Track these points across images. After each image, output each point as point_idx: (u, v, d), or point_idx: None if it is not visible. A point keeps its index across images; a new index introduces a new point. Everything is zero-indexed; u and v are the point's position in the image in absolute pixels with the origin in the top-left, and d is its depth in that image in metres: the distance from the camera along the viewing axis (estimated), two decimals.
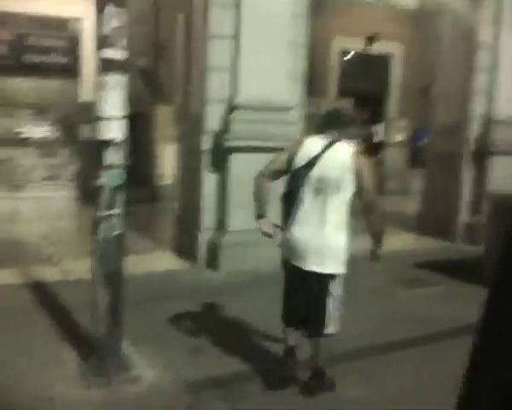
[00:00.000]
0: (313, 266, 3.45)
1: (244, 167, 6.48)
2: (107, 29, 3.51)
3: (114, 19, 3.54)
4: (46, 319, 4.70)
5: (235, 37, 6.55)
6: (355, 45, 14.88)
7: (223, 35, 6.54)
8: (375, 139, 15.28)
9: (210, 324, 4.83)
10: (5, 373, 3.72)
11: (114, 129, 3.54)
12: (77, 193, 11.93)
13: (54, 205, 11.16)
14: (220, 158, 6.57)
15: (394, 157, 14.83)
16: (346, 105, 13.57)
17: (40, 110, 11.82)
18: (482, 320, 0.74)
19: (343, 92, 14.57)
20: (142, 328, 4.50)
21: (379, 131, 15.66)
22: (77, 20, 11.81)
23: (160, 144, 12.68)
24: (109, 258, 3.56)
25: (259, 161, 6.47)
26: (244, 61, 6.54)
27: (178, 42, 12.99)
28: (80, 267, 6.38)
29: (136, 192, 11.58)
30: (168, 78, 12.53)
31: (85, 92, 11.85)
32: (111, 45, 3.52)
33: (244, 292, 5.72)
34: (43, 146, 11.89)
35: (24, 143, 11.73)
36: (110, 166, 3.52)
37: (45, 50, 11.66)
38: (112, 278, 3.58)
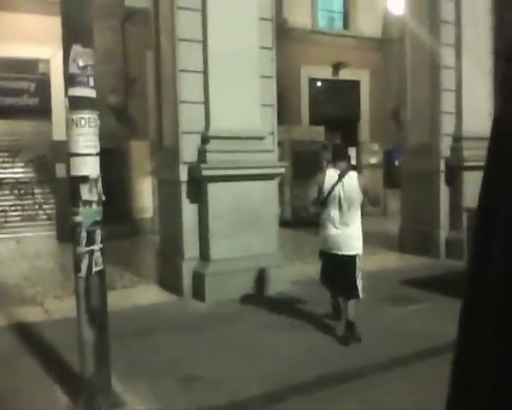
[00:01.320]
0: (345, 251, 5.12)
1: (222, 196, 6.60)
2: (74, 68, 3.57)
3: (81, 58, 3.60)
4: (33, 361, 4.64)
5: (204, 71, 6.70)
6: (323, 73, 15.23)
7: (191, 69, 6.68)
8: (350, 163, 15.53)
9: (199, 354, 4.82)
10: None
11: (88, 166, 3.58)
12: (56, 231, 11.88)
13: (33, 245, 11.10)
14: (198, 188, 6.64)
15: (370, 179, 15.09)
16: (319, 131, 13.83)
17: (14, 151, 11.79)
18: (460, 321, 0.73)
19: (315, 118, 14.85)
20: (131, 363, 4.48)
21: (351, 156, 15.92)
22: (45, 61, 11.88)
23: (136, 179, 12.73)
24: (92, 295, 3.56)
25: (236, 189, 6.68)
26: (214, 93, 6.68)
27: (148, 78, 13.19)
28: (64, 306, 6.38)
29: (115, 227, 11.62)
30: (140, 113, 12.65)
31: (58, 131, 11.85)
32: (79, 84, 3.57)
33: (230, 321, 5.73)
34: (18, 187, 11.82)
35: None
36: (86, 203, 3.54)
37: (16, 92, 11.67)
38: (96, 314, 3.58)
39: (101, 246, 3.59)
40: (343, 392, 4.02)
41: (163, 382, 4.20)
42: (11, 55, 11.39)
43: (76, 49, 3.57)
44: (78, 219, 3.52)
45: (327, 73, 15.14)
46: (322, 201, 5.17)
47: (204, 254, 6.66)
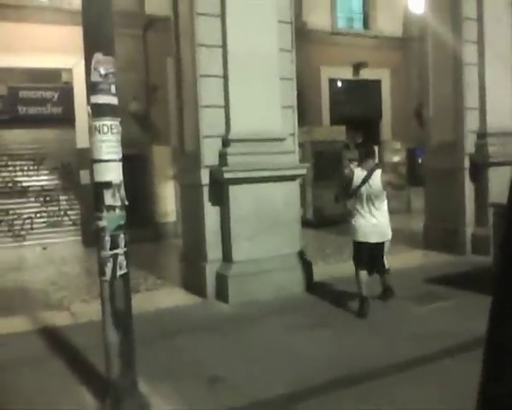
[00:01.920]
0: (376, 239, 5.88)
1: (243, 198, 6.63)
2: (96, 76, 3.63)
3: (103, 66, 3.66)
4: (60, 363, 4.72)
5: (224, 75, 6.75)
6: (343, 74, 15.18)
7: (211, 74, 6.73)
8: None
9: (223, 356, 4.85)
10: None
11: (111, 171, 3.64)
12: (81, 237, 12.06)
13: (59, 250, 11.28)
14: (220, 191, 6.68)
15: (393, 178, 14.99)
16: (340, 131, 13.78)
17: (38, 160, 12.00)
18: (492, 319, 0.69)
19: (335, 119, 14.81)
20: (156, 365, 4.53)
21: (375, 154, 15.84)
22: (68, 70, 12.07)
23: (159, 184, 12.85)
24: (117, 298, 3.61)
25: (258, 191, 6.70)
26: (234, 97, 6.71)
27: (169, 84, 13.31)
28: (90, 310, 6.47)
29: (138, 232, 11.74)
30: (161, 119, 12.77)
31: (82, 139, 12.03)
32: (101, 91, 3.63)
33: (254, 322, 5.75)
34: (43, 194, 12.03)
35: (24, 192, 11.88)
36: (110, 208, 3.60)
37: (39, 102, 11.88)
38: (121, 317, 3.63)
39: (125, 250, 3.64)
40: (370, 391, 4.00)
41: (188, 383, 4.24)
42: (35, 65, 11.59)
43: (97, 57, 3.63)
44: (102, 223, 3.57)
45: (347, 74, 15.08)
46: (351, 195, 5.91)
47: (227, 256, 6.70)
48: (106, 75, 3.63)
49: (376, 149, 15.77)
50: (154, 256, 10.52)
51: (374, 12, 15.72)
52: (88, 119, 3.70)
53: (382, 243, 5.93)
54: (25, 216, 11.90)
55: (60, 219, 12.21)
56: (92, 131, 3.64)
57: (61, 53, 11.61)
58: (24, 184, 11.88)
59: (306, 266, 7.07)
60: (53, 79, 11.98)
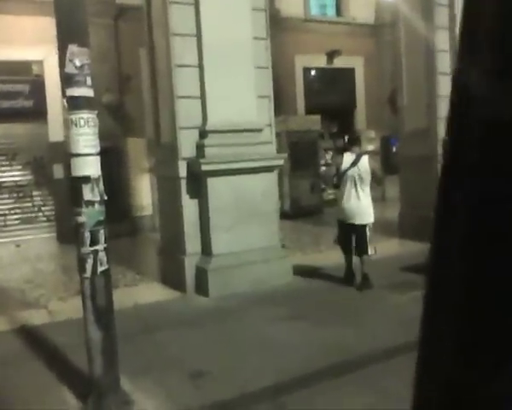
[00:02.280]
0: (359, 221, 6.31)
1: (222, 190, 6.58)
2: (71, 68, 3.54)
3: (78, 58, 3.57)
4: (40, 363, 4.63)
5: (200, 65, 6.67)
6: (317, 62, 15.17)
7: (186, 64, 6.65)
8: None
9: (205, 350, 4.82)
10: None
11: (89, 166, 3.56)
12: (56, 233, 11.86)
13: (33, 247, 11.07)
14: (197, 183, 6.62)
15: (376, 168, 15.10)
16: (315, 120, 13.78)
17: (11, 154, 11.75)
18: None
19: (310, 108, 14.81)
20: (138, 361, 4.47)
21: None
22: (38, 62, 11.81)
23: (134, 176, 12.70)
24: (98, 294, 3.55)
25: (236, 183, 6.66)
26: (210, 87, 6.65)
27: (142, 75, 13.14)
28: (67, 307, 6.38)
29: (114, 226, 11.57)
30: (136, 111, 12.61)
31: (54, 133, 11.82)
32: (76, 83, 3.55)
33: (235, 315, 5.73)
34: (16, 190, 11.79)
35: None
36: (89, 203, 3.53)
37: (10, 95, 11.61)
38: (102, 314, 3.57)
39: (105, 246, 3.58)
40: (350, 381, 4.02)
41: (171, 378, 4.21)
42: (4, 57, 11.28)
43: (72, 48, 3.54)
44: (82, 219, 3.50)
45: (321, 62, 15.08)
46: (340, 178, 6.41)
47: (206, 249, 6.65)
48: (81, 67, 3.55)
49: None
50: (131, 251, 10.41)
51: None
52: (63, 112, 3.62)
53: (365, 225, 6.34)
54: None
55: (33, 215, 11.98)
56: (69, 124, 3.56)
57: (31, 45, 11.36)
58: None
59: (285, 258, 7.07)
60: (23, 71, 11.72)
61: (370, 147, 15.57)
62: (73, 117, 3.54)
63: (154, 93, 7.42)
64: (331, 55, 14.98)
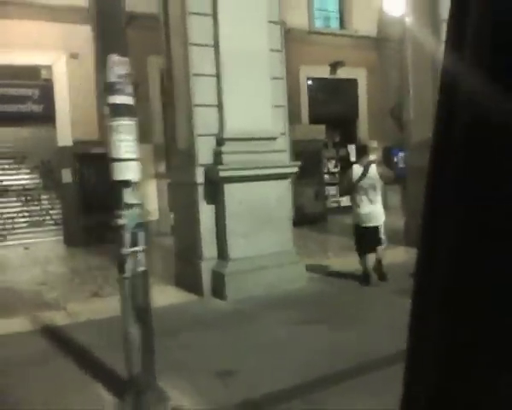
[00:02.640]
0: (374, 223, 6.95)
1: (238, 196, 6.75)
2: (112, 77, 3.70)
3: (119, 67, 3.73)
4: (70, 362, 4.76)
5: (217, 74, 6.86)
6: (321, 73, 15.40)
7: (204, 73, 6.82)
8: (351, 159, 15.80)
9: (228, 350, 4.96)
10: None
11: (129, 170, 3.72)
12: (63, 236, 11.98)
13: (42, 250, 11.17)
14: (214, 189, 6.78)
15: (385, 170, 15.33)
16: (320, 130, 13.99)
17: (19, 158, 11.87)
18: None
19: (314, 118, 15.02)
20: (164, 361, 4.59)
21: (351, 152, 16.16)
22: (47, 67, 11.97)
23: (141, 182, 12.81)
24: (137, 294, 3.70)
25: (251, 189, 6.83)
26: (227, 96, 6.84)
27: (150, 82, 13.30)
28: (86, 309, 6.52)
29: None
30: (143, 117, 12.75)
31: (63, 137, 11.97)
32: (118, 92, 3.71)
33: (253, 318, 5.88)
34: (24, 193, 11.90)
35: (5, 191, 11.73)
36: (129, 206, 3.68)
37: (19, 99, 11.74)
38: (141, 312, 3.72)
39: (144, 247, 3.73)
40: (377, 380, 4.17)
41: (200, 377, 4.34)
42: (14, 62, 11.44)
43: (113, 58, 3.70)
44: (122, 221, 3.65)
45: (325, 73, 15.31)
46: (352, 188, 7.00)
47: (222, 254, 6.80)
48: (122, 76, 3.71)
49: (353, 148, 16.16)
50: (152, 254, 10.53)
51: (349, 11, 16.00)
52: (106, 118, 3.76)
53: (379, 226, 7.01)
54: (6, 216, 11.77)
55: (41, 218, 12.11)
56: (110, 130, 3.71)
57: (40, 50, 11.52)
58: (4, 183, 11.74)
59: (298, 263, 7.24)
60: (32, 76, 11.86)
61: (373, 156, 15.79)
62: (114, 124, 3.70)
63: (168, 100, 7.57)
64: (334, 66, 15.23)
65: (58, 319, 6.21)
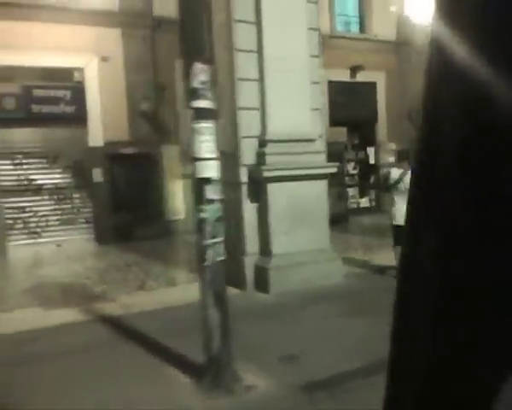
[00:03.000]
0: None
1: (280, 195, 7.08)
2: (196, 83, 4.04)
3: (202, 74, 4.07)
4: (135, 349, 5.06)
5: (260, 79, 7.20)
6: (341, 76, 15.73)
7: (248, 78, 7.17)
8: (370, 161, 16.18)
9: (284, 337, 5.28)
10: (124, 397, 4.11)
11: (210, 168, 4.06)
12: (93, 235, 12.33)
13: (74, 248, 11.53)
14: (257, 188, 7.12)
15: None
16: (341, 132, 14.32)
17: (52, 158, 12.23)
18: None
19: (334, 120, 15.34)
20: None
21: (370, 155, 16.50)
22: (80, 69, 12.34)
23: (168, 182, 13.19)
24: (217, 280, 4.04)
25: (292, 189, 7.16)
26: (270, 100, 7.18)
27: (177, 85, 13.62)
28: (137, 301, 6.85)
29: (150, 228, 12.06)
30: (170, 119, 13.12)
31: (94, 137, 12.33)
32: (201, 97, 4.04)
33: (299, 310, 6.21)
34: (57, 192, 12.27)
35: (39, 190, 12.09)
36: (210, 201, 4.02)
37: (53, 100, 12.11)
38: (220, 297, 4.05)
39: (222, 239, 4.06)
40: None
41: (264, 361, 4.66)
42: (47, 64, 11.82)
43: (197, 66, 4.04)
44: (204, 215, 3.99)
45: (345, 76, 15.63)
46: (389, 189, 7.40)
47: (265, 250, 7.14)
48: (204, 82, 4.04)
49: (372, 150, 16.50)
50: (175, 252, 10.89)
51: (369, 16, 16.33)
52: (189, 121, 4.09)
53: None
54: (40, 214, 12.13)
55: (73, 216, 12.46)
56: (193, 132, 4.04)
57: (73, 52, 11.88)
58: (38, 182, 12.11)
59: (336, 260, 7.57)
60: (65, 77, 12.22)
61: (391, 159, 16.14)
62: (197, 126, 4.03)
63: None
64: (354, 70, 15.56)
65: (110, 310, 6.53)
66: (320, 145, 7.65)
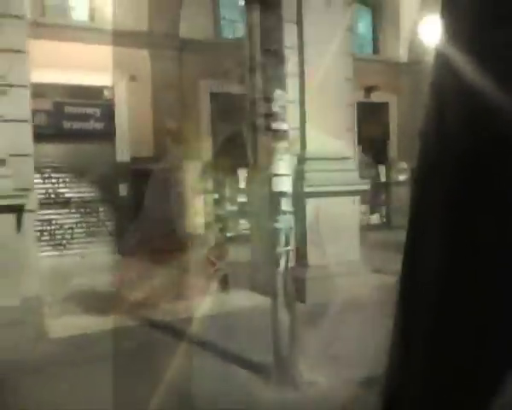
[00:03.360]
0: None
1: (317, 209, 7.49)
2: (276, 108, 4.48)
3: (280, 100, 4.51)
4: (195, 350, 5.41)
5: (301, 101, 7.65)
6: (356, 96, 16.22)
7: (290, 100, 7.61)
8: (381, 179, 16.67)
9: (333, 340, 5.62)
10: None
11: (285, 183, 4.48)
12: (117, 247, 12.69)
13: (99, 259, 11.84)
14: (295, 202, 7.51)
15: (399, 195, 16.12)
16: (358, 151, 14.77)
17: (80, 172, 12.62)
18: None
19: None
20: None
21: (380, 173, 16.99)
22: (110, 88, 12.79)
23: (190, 197, 13.58)
24: (288, 285, 4.43)
25: (328, 203, 7.57)
26: (309, 120, 7.62)
27: (201, 104, 14.05)
28: (179, 308, 7.21)
29: (169, 241, 12.37)
30: (193, 136, 13.55)
31: (121, 153, 12.75)
32: (279, 119, 4.48)
33: (338, 317, 6.56)
34: (83, 205, 12.64)
35: (66, 203, 12.47)
36: (284, 212, 4.43)
37: (83, 117, 12.54)
38: (290, 300, 4.44)
39: (292, 248, 4.47)
40: None
41: (318, 360, 5.01)
42: (78, 82, 12.25)
43: (278, 92, 4.48)
44: (279, 225, 4.39)
45: (359, 96, 16.12)
46: None
47: (301, 260, 7.52)
48: (282, 107, 4.47)
49: (383, 168, 16.98)
50: (197, 265, 11.21)
51: (383, 38, 16.92)
52: (266, 141, 4.51)
53: None
54: (66, 226, 12.49)
55: (98, 229, 12.82)
56: (273, 151, 4.46)
57: (103, 71, 12.32)
58: (66, 196, 12.48)
59: (366, 272, 7.97)
60: (96, 95, 12.66)
61: (402, 177, 16.63)
62: (277, 145, 4.46)
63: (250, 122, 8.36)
64: (369, 91, 16.06)
65: (156, 316, 6.87)
66: (353, 163, 8.08)
